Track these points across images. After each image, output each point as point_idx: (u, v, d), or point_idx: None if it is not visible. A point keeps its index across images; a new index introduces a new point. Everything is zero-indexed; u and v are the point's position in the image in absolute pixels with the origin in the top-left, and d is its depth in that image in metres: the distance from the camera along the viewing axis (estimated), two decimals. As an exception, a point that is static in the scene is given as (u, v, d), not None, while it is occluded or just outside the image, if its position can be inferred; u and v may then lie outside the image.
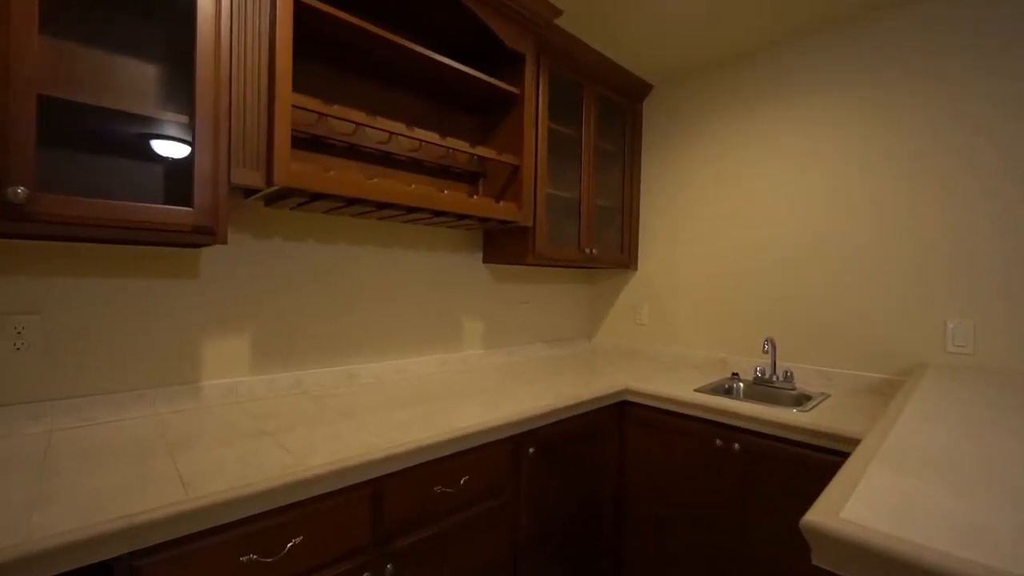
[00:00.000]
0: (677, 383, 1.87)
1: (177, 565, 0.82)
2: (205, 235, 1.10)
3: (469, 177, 2.02)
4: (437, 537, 1.21)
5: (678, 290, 2.39)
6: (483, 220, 1.75)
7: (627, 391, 1.81)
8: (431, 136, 1.57)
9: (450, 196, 1.56)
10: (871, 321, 1.80)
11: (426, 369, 1.94)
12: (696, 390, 1.77)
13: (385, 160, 1.75)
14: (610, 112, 2.44)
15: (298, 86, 1.51)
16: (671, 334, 2.41)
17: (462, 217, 1.67)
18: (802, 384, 1.92)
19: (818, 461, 1.37)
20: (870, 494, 0.64)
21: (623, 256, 2.45)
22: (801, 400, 1.77)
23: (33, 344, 1.15)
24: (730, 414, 1.54)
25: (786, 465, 1.43)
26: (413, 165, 1.83)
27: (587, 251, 2.17)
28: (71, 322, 1.21)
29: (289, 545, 0.95)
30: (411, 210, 1.52)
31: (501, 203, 1.73)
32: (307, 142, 1.55)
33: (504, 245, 2.04)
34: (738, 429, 1.54)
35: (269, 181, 1.20)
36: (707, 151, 2.29)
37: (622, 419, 1.84)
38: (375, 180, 1.38)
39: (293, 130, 1.49)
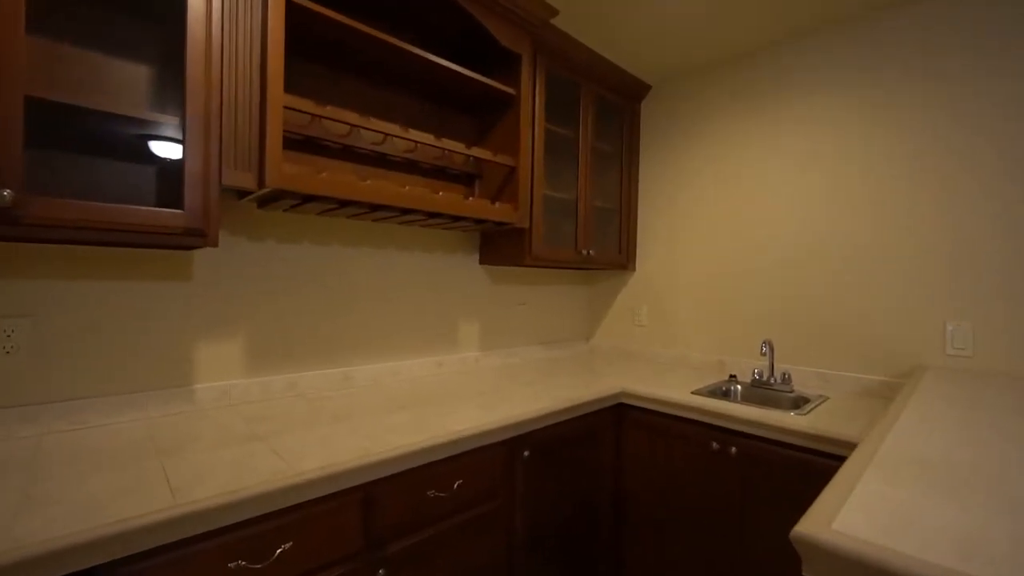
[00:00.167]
0: (674, 385, 1.86)
1: (163, 572, 0.81)
2: (196, 237, 1.09)
3: (465, 178, 2.01)
4: (430, 542, 1.20)
5: (678, 291, 2.37)
6: (479, 222, 1.74)
7: (624, 393, 1.80)
8: (426, 137, 1.56)
9: (445, 197, 1.55)
10: (870, 322, 1.78)
11: (422, 371, 1.93)
12: (693, 392, 1.75)
13: (380, 161, 1.74)
14: (608, 112, 2.43)
15: (292, 86, 1.50)
16: (670, 335, 2.39)
17: (457, 219, 1.66)
18: (800, 386, 1.90)
19: (816, 465, 1.35)
20: (864, 502, 0.63)
21: (621, 257, 2.44)
22: (799, 403, 1.76)
23: (24, 347, 1.15)
24: (727, 417, 1.53)
25: (784, 469, 1.42)
26: (408, 166, 1.82)
27: (584, 252, 2.16)
28: (63, 325, 1.20)
29: (279, 551, 0.94)
30: (405, 212, 1.51)
31: (497, 204, 1.72)
32: (301, 143, 1.54)
33: (501, 246, 2.03)
34: (735, 432, 1.53)
35: (261, 183, 1.19)
36: (707, 151, 2.28)
37: (619, 422, 1.83)
38: (369, 182, 1.37)
39: (287, 132, 1.48)
